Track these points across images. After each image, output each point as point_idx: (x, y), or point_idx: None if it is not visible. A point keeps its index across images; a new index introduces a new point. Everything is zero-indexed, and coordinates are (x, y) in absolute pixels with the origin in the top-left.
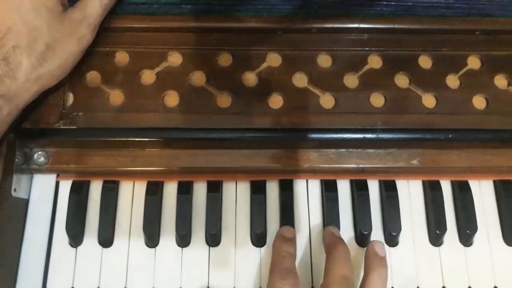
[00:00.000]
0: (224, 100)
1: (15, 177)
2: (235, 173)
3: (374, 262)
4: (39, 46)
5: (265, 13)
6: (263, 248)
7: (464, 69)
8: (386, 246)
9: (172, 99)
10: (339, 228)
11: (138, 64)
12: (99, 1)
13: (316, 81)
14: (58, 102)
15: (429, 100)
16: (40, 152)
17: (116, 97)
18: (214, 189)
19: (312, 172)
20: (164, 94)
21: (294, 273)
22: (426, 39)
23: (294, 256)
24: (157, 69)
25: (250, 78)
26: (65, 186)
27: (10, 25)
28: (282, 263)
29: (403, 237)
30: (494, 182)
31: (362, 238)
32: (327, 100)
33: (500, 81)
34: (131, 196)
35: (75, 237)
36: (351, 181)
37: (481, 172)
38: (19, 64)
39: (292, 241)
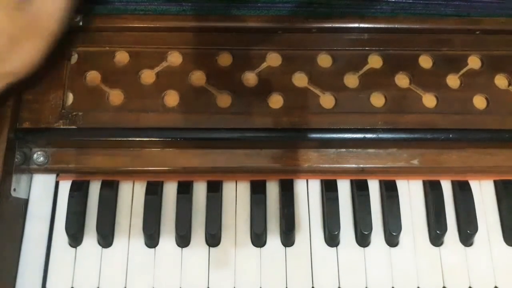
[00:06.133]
0: (224, 100)
1: (14, 177)
2: (235, 173)
3: None
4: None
5: (265, 11)
6: (263, 248)
7: (465, 69)
8: (387, 246)
9: (172, 99)
10: (339, 228)
11: (138, 63)
12: None
13: (316, 81)
14: (58, 102)
15: (429, 100)
16: (39, 152)
17: (116, 96)
18: (214, 189)
19: (312, 172)
20: (164, 94)
21: None
22: (426, 38)
23: None
24: (157, 69)
25: (250, 78)
26: (65, 186)
27: None
28: None
29: (403, 237)
30: (495, 182)
31: (362, 238)
32: (327, 100)
33: (501, 81)
34: (131, 196)
35: (75, 237)
36: (351, 181)
37: (481, 172)
38: None
39: None
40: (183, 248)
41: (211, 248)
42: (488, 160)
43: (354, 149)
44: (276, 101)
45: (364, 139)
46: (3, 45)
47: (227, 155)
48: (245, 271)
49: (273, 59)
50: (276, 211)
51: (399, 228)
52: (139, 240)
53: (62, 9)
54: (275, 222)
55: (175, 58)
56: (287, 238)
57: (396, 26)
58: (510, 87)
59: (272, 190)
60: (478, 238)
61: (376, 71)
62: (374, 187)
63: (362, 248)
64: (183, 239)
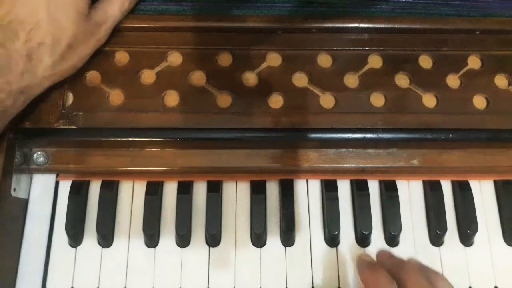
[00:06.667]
0: (224, 100)
1: (14, 177)
2: (235, 173)
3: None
4: (61, 46)
5: (265, 11)
6: (263, 248)
7: (465, 69)
8: (387, 246)
9: (172, 99)
10: (339, 228)
11: (138, 63)
12: (119, 6)
13: (316, 81)
14: (58, 101)
15: (429, 100)
16: (39, 152)
17: (116, 96)
18: (214, 189)
19: (312, 172)
20: (164, 94)
21: None
22: (426, 38)
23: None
24: (157, 69)
25: (250, 78)
26: (65, 186)
27: (39, 20)
28: None
29: (403, 237)
30: (495, 182)
31: (362, 238)
32: (327, 100)
33: (501, 80)
34: (131, 196)
35: (75, 237)
36: (351, 181)
37: (481, 172)
38: (40, 61)
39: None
40: (183, 248)
41: (211, 248)
42: (488, 160)
43: (354, 149)
44: (276, 101)
45: (364, 139)
46: (67, 45)
47: (227, 155)
48: (245, 271)
49: (273, 59)
50: (276, 211)
51: (399, 228)
52: (139, 240)
53: (116, 21)
54: (275, 222)
55: (175, 58)
56: (287, 238)
57: (396, 26)
58: (510, 87)
59: (272, 190)
60: (478, 238)
61: (376, 71)
62: (374, 187)
63: (362, 248)
64: (183, 239)
